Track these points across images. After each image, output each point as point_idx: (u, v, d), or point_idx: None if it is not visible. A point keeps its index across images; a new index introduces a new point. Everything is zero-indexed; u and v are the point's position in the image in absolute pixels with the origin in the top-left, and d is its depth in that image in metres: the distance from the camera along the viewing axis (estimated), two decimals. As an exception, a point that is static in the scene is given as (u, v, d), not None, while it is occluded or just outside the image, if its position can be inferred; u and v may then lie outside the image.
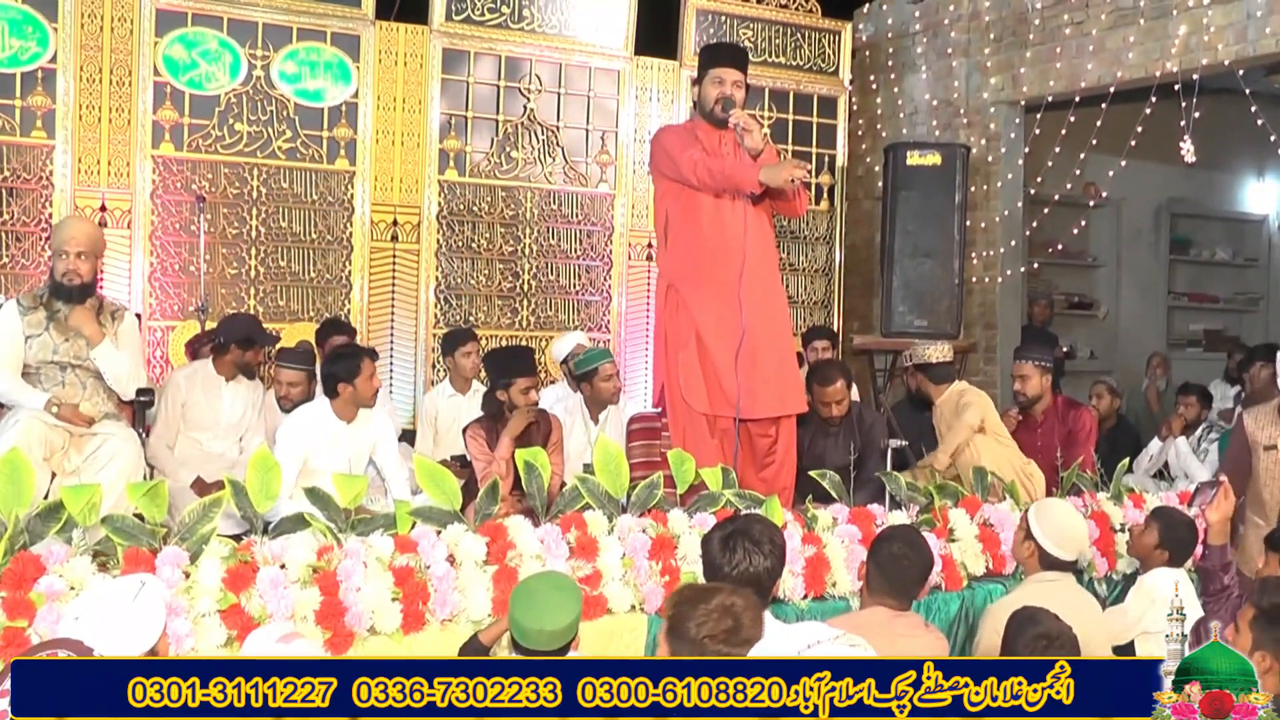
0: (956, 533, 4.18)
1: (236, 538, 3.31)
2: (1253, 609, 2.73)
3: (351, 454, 4.52)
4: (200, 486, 4.86)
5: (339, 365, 4.54)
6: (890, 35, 8.48)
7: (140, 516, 3.21)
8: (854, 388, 5.47)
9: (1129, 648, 3.75)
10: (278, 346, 5.81)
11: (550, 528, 3.55)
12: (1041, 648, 2.80)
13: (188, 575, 3.05)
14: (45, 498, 3.80)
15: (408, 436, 6.16)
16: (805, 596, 3.78)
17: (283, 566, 3.16)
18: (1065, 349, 8.75)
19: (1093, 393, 7.01)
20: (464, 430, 4.84)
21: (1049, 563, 3.67)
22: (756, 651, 2.31)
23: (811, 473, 4.30)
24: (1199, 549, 4.11)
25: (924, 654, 2.98)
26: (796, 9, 7.73)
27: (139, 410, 4.88)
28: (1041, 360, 5.58)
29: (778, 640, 2.71)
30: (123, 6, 5.99)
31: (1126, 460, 5.11)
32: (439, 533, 3.43)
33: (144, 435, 4.90)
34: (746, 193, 4.32)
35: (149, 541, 3.12)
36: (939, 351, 5.46)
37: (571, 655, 2.74)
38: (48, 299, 4.40)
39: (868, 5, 8.65)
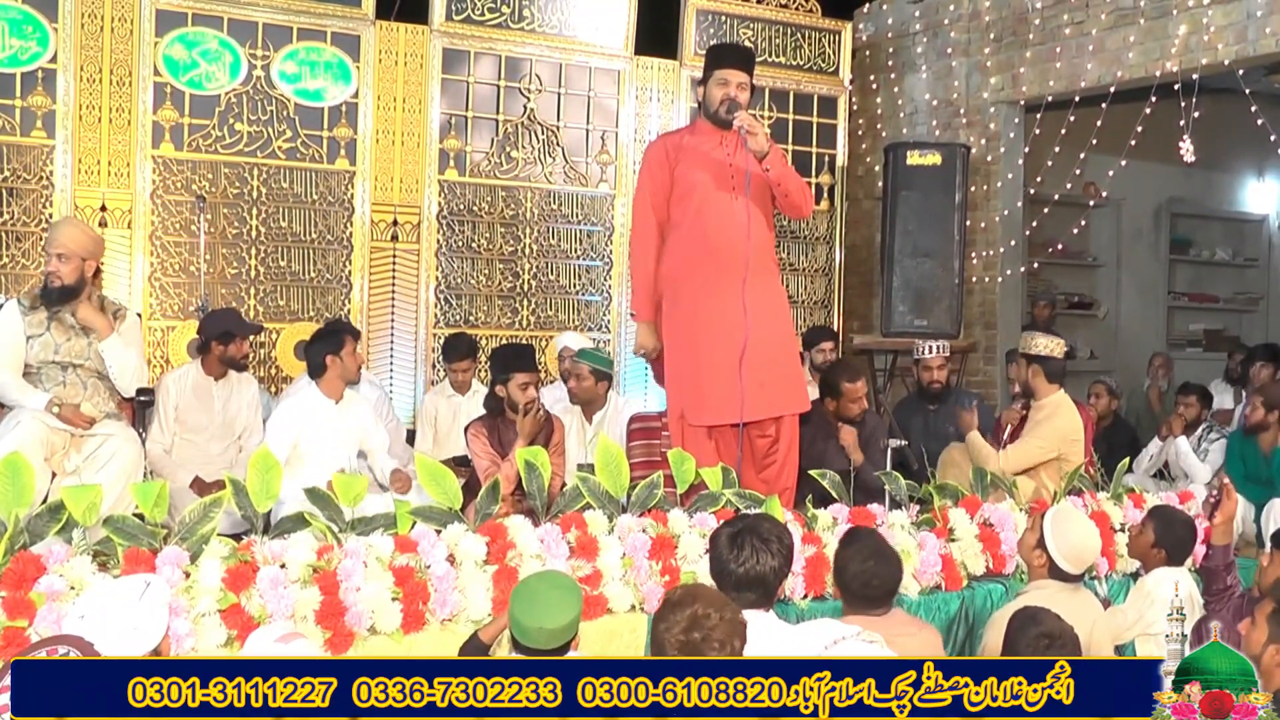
0: (956, 532, 4.18)
1: (236, 537, 3.31)
2: (1272, 603, 2.72)
3: (341, 431, 4.76)
4: (200, 486, 4.87)
5: (326, 341, 4.80)
6: (890, 35, 8.47)
7: (140, 516, 3.21)
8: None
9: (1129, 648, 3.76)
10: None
11: (550, 527, 3.54)
12: (1043, 647, 2.79)
13: (188, 575, 3.05)
14: (45, 498, 3.80)
15: (408, 436, 6.17)
16: (805, 596, 3.78)
17: (283, 566, 3.16)
18: (1066, 349, 8.73)
19: (1091, 392, 7.01)
20: (466, 429, 4.85)
21: (1057, 574, 3.64)
22: (776, 649, 2.30)
23: (811, 472, 4.29)
24: (1202, 549, 4.10)
25: (920, 650, 2.98)
26: (796, 9, 7.73)
27: (139, 410, 4.88)
28: None
29: (796, 639, 2.71)
30: (123, 6, 5.99)
31: (1126, 460, 5.11)
32: (439, 532, 3.43)
33: (143, 435, 4.91)
34: (631, 312, 4.49)
35: (149, 541, 3.12)
36: (1050, 344, 5.26)
37: (572, 655, 2.74)
38: (46, 299, 4.39)
39: (868, 5, 8.64)
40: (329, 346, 4.76)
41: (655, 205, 4.51)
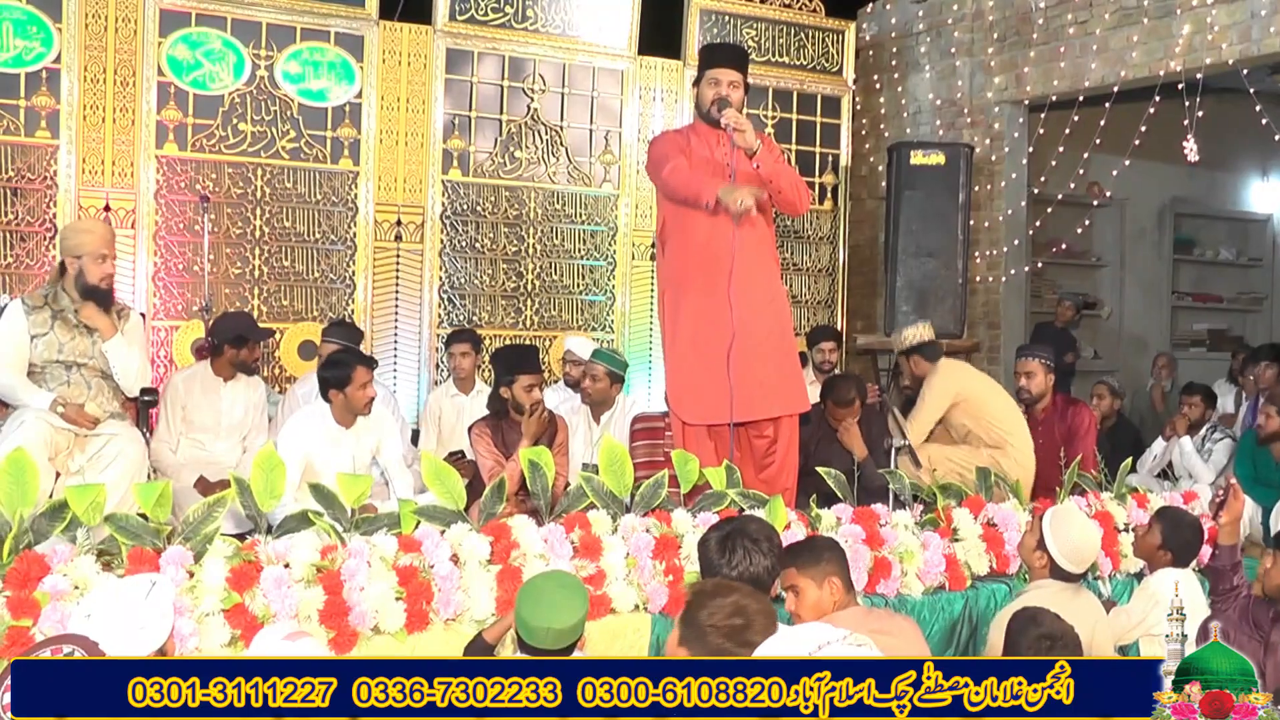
0: (960, 532, 4.17)
1: (240, 537, 3.31)
2: None
3: (353, 455, 4.52)
4: (204, 486, 4.87)
5: (330, 373, 4.50)
6: (894, 35, 8.47)
7: (144, 516, 3.21)
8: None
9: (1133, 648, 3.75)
10: (328, 323, 5.98)
11: (554, 527, 3.54)
12: (1045, 648, 2.79)
13: (192, 575, 3.05)
14: (50, 498, 3.80)
15: (412, 437, 6.17)
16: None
17: (287, 566, 3.16)
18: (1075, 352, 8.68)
19: (1094, 393, 7.01)
20: (469, 429, 4.85)
21: (1058, 574, 3.64)
22: (763, 652, 2.30)
23: (818, 469, 4.28)
24: (1208, 549, 4.09)
25: (900, 643, 2.97)
26: (800, 8, 7.73)
27: (142, 409, 4.88)
28: (1045, 358, 5.59)
29: (785, 642, 2.71)
30: (126, 7, 6.00)
31: (1130, 460, 5.09)
32: (443, 532, 3.43)
33: (147, 435, 4.91)
34: (704, 204, 4.29)
35: (153, 541, 3.12)
36: (917, 332, 5.47)
37: (576, 655, 2.74)
38: (53, 298, 4.39)
39: (871, 5, 8.64)
40: (335, 380, 4.45)
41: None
